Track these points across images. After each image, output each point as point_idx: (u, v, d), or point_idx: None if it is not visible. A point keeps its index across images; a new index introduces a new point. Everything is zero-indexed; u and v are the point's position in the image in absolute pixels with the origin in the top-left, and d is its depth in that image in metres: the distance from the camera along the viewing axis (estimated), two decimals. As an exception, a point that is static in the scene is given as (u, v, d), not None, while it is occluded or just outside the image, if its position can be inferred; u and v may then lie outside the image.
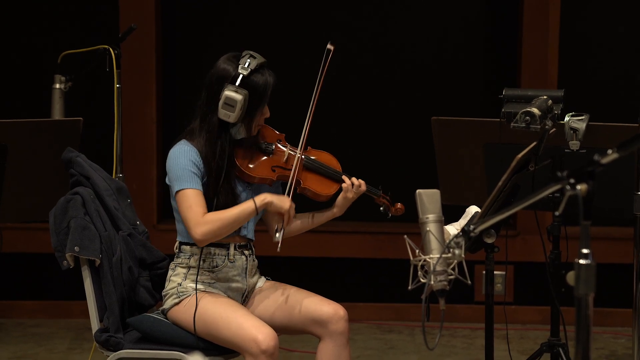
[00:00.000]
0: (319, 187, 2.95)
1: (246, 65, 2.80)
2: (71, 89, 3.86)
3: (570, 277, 1.82)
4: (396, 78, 4.93)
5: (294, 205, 2.86)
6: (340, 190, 2.95)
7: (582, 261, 1.79)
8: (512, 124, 2.71)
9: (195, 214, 2.77)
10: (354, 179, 2.94)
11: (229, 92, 2.78)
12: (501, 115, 2.83)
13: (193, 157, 2.81)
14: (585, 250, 1.78)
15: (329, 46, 2.88)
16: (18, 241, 4.68)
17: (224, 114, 2.80)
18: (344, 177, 2.95)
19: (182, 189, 2.79)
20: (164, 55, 4.88)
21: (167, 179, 2.86)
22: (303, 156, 2.94)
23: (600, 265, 1.85)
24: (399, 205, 3.03)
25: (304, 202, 3.04)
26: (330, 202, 2.98)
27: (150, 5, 4.73)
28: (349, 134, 4.88)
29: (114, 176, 3.63)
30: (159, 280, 3.02)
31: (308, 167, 2.96)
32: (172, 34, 4.93)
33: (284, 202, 2.84)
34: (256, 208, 2.81)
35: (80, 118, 3.38)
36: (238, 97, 2.78)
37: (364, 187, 2.95)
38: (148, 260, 3.02)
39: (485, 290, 2.58)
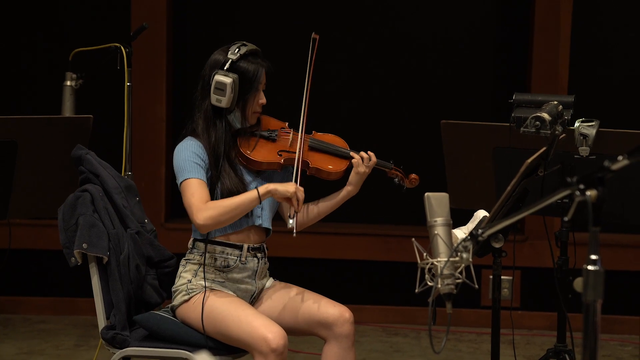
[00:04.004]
0: (328, 165, 2.94)
1: (235, 52, 2.86)
2: (82, 86, 3.87)
3: (578, 283, 1.81)
4: (406, 81, 4.93)
5: (301, 189, 2.80)
6: (350, 167, 2.95)
7: (590, 267, 1.78)
8: (521, 128, 2.70)
9: (198, 200, 2.77)
10: (362, 152, 2.94)
11: (218, 77, 2.83)
12: (511, 120, 2.82)
13: (196, 150, 2.83)
14: (594, 257, 1.78)
15: (313, 35, 2.91)
16: (26, 237, 4.70)
17: (215, 99, 2.84)
18: (352, 153, 2.95)
19: (185, 179, 2.80)
20: (174, 54, 4.89)
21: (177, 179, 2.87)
22: (307, 137, 2.93)
23: (607, 272, 1.84)
24: (413, 175, 3.01)
25: (319, 187, 3.03)
26: (343, 182, 2.97)
27: (162, 4, 4.75)
28: (358, 137, 4.87)
29: (123, 174, 3.64)
30: (166, 279, 3.02)
31: (314, 147, 2.96)
32: (182, 33, 4.94)
33: (288, 187, 2.78)
34: (259, 196, 2.78)
35: (91, 115, 3.39)
36: (227, 80, 2.82)
37: (374, 159, 2.95)
38: (155, 259, 3.02)
39: (492, 295, 2.57)
